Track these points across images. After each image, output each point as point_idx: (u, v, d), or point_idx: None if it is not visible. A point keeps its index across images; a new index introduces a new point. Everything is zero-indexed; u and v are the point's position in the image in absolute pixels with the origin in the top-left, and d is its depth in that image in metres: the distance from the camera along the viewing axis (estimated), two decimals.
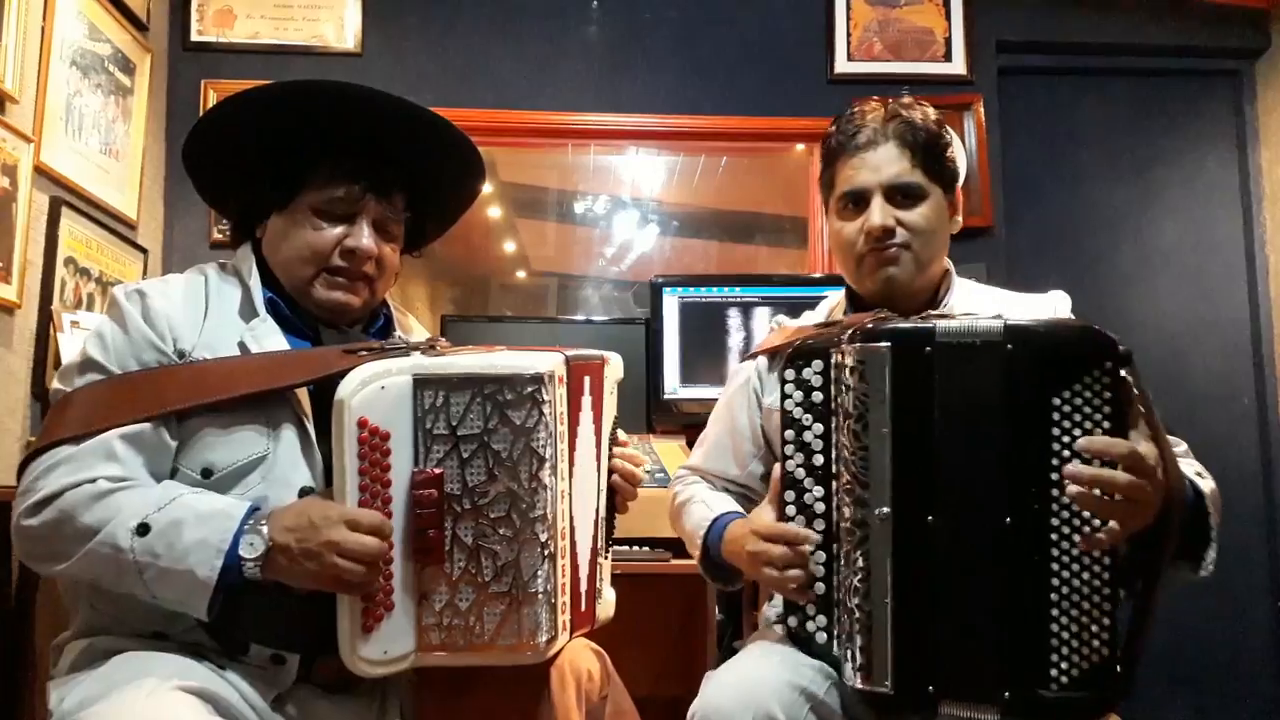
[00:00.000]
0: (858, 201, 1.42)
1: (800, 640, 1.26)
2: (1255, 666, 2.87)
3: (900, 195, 1.40)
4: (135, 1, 2.50)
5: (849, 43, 2.93)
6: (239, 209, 1.39)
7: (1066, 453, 1.11)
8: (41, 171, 2.10)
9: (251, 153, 1.33)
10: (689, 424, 2.51)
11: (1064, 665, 1.11)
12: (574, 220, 3.33)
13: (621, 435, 1.42)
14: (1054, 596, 1.12)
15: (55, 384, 1.24)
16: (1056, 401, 1.11)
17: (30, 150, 2.04)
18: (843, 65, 2.92)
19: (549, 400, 1.17)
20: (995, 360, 1.14)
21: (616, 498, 1.40)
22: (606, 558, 1.39)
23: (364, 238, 1.30)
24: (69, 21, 2.20)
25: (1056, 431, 1.12)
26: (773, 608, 1.46)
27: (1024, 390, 1.13)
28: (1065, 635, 1.12)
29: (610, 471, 1.38)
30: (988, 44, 2.95)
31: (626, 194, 3.22)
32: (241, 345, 1.25)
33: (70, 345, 2.06)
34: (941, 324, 1.19)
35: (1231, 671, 2.86)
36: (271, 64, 2.75)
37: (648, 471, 1.61)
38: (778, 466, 1.29)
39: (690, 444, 2.31)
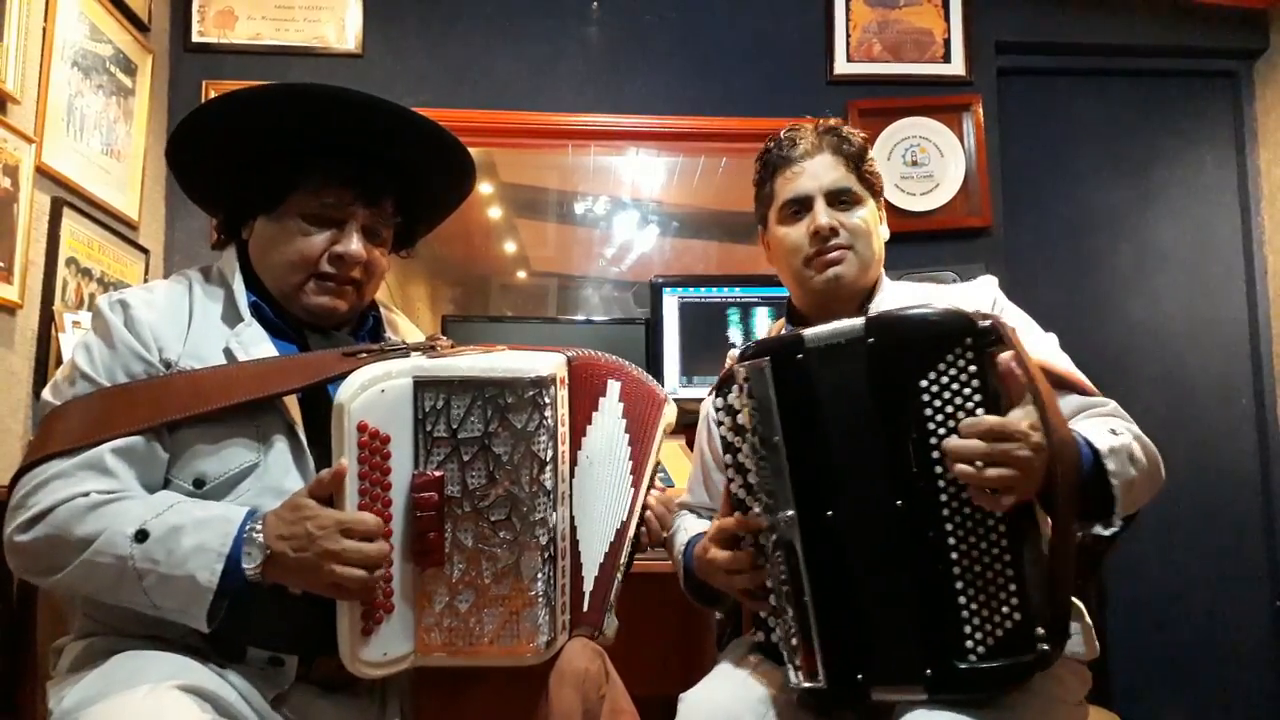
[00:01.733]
0: (801, 207, 1.49)
1: (769, 652, 1.31)
2: (1255, 666, 2.87)
3: (839, 200, 1.48)
4: (136, 2, 2.50)
5: (848, 44, 2.93)
6: (225, 210, 1.38)
7: (943, 430, 1.14)
8: (43, 172, 2.10)
9: (239, 154, 1.32)
10: (689, 424, 2.50)
11: (978, 635, 1.13)
12: (574, 221, 3.32)
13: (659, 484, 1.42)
14: (955, 570, 1.13)
15: (44, 396, 1.23)
16: (924, 384, 1.14)
17: (32, 151, 2.05)
18: (842, 66, 2.92)
19: (550, 403, 1.16)
20: (860, 355, 1.19)
21: (642, 530, 1.38)
22: (621, 576, 1.35)
23: (353, 244, 1.30)
24: (70, 22, 2.20)
25: (929, 412, 1.14)
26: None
27: (890, 378, 1.17)
28: (974, 606, 1.13)
29: (645, 507, 1.36)
30: (987, 45, 2.96)
31: (626, 195, 3.22)
32: (227, 352, 1.24)
33: (72, 346, 2.06)
34: (809, 331, 1.24)
35: (1231, 672, 2.86)
36: (272, 65, 2.76)
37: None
38: (725, 487, 1.35)
39: (690, 444, 2.32)
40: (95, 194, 2.30)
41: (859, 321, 1.20)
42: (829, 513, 1.20)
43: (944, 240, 2.83)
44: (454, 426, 1.15)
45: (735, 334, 2.59)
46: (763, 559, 1.28)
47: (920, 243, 2.81)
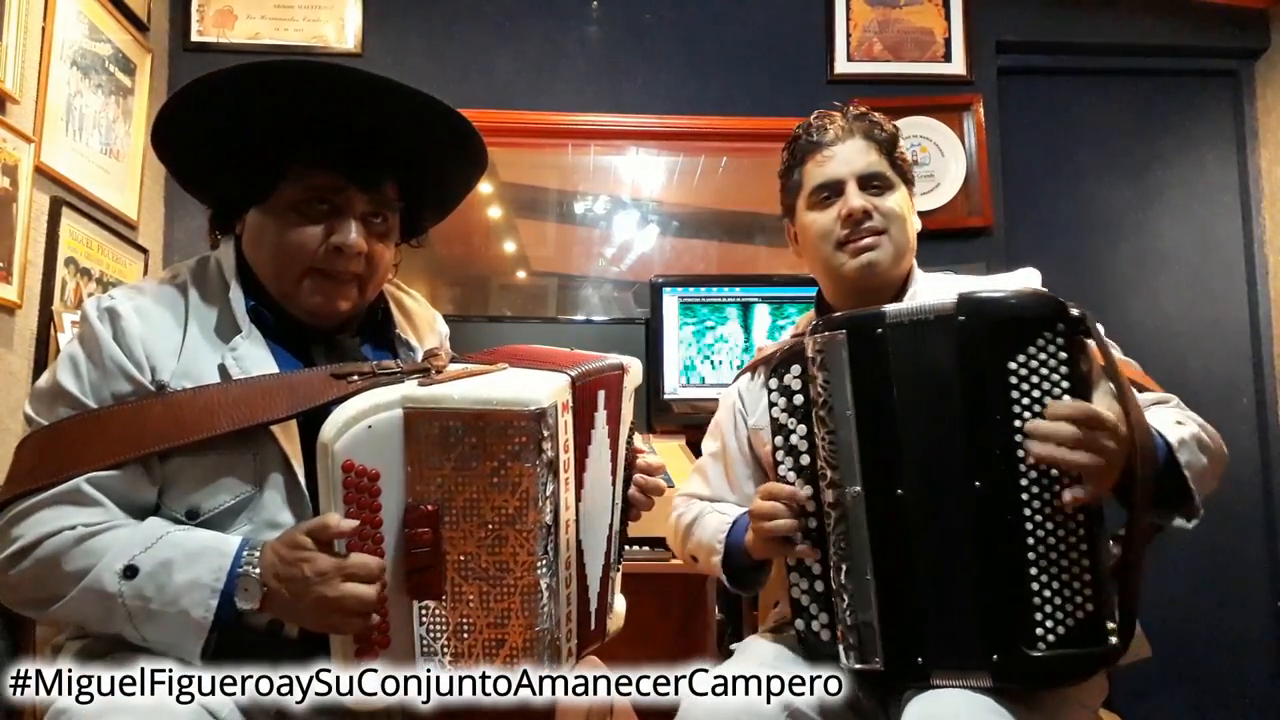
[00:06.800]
0: (832, 192, 1.46)
1: (808, 643, 1.28)
2: (1255, 666, 2.87)
3: (872, 184, 1.45)
4: (136, 2, 2.50)
5: (849, 43, 2.93)
6: (215, 202, 1.29)
7: (1028, 414, 1.12)
8: (42, 172, 2.09)
9: (224, 140, 1.22)
10: (689, 424, 2.51)
11: (1049, 623, 1.11)
12: (574, 220, 3.32)
13: (637, 441, 1.35)
14: (1031, 555, 1.12)
15: (28, 408, 1.16)
16: (1013, 366, 1.13)
17: (31, 150, 2.04)
18: (843, 65, 2.92)
19: (551, 434, 1.08)
20: (948, 332, 1.17)
21: (631, 509, 1.34)
22: (618, 570, 1.33)
23: (351, 234, 1.19)
24: (69, 22, 2.20)
25: (1016, 395, 1.13)
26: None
27: (979, 357, 1.15)
28: (1047, 593, 1.11)
29: (627, 482, 1.31)
30: (987, 44, 2.96)
31: (626, 194, 3.21)
32: (222, 369, 1.15)
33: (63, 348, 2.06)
34: (890, 307, 1.23)
35: (1231, 671, 2.86)
36: None
37: None
38: (772, 471, 1.32)
39: (690, 444, 2.32)
40: (94, 194, 2.30)
41: (949, 298, 1.18)
42: (898, 491, 1.19)
43: (944, 240, 2.82)
44: (450, 457, 1.07)
45: (736, 332, 2.59)
46: (824, 544, 1.25)
47: (920, 242, 2.77)
